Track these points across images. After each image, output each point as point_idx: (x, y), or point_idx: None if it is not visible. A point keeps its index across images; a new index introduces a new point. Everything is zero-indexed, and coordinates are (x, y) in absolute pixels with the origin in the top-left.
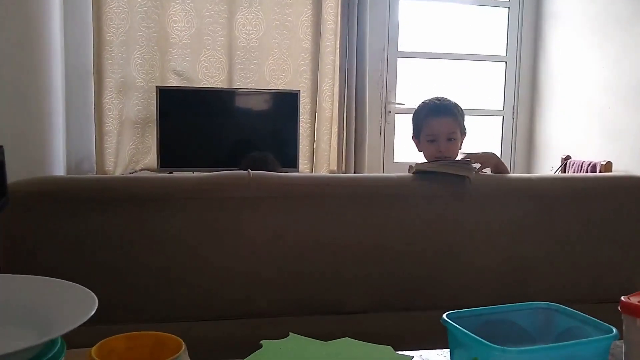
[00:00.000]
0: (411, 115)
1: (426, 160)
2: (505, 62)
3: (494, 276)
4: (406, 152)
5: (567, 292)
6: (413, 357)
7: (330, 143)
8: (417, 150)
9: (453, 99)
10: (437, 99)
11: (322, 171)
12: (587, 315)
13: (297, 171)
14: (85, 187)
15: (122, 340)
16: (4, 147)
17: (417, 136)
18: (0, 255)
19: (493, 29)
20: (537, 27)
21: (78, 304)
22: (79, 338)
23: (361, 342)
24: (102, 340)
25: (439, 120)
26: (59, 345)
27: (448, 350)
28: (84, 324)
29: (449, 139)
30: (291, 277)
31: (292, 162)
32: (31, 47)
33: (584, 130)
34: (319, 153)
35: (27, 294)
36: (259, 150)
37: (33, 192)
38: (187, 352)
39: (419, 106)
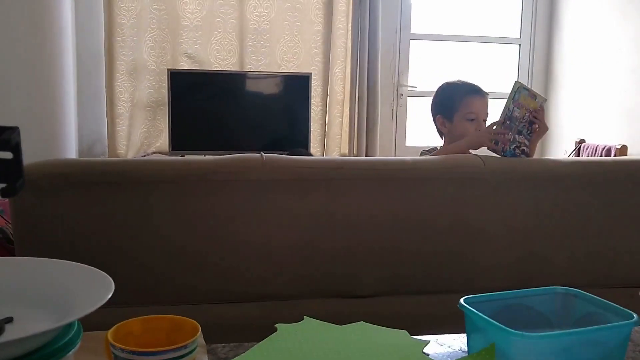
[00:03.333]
0: (429, 98)
1: (453, 141)
2: (519, 45)
3: (509, 260)
4: (418, 136)
5: (582, 277)
6: (429, 341)
7: (342, 126)
8: (441, 130)
9: None
10: (463, 80)
11: (334, 155)
12: (607, 301)
13: (309, 155)
14: (99, 169)
15: (138, 324)
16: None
17: (448, 115)
18: (14, 238)
19: (507, 11)
20: (552, 9)
21: (95, 287)
22: (93, 320)
23: (376, 326)
24: (119, 324)
25: (479, 99)
26: (75, 328)
27: (465, 335)
28: (99, 307)
29: (484, 120)
30: (305, 260)
31: (303, 146)
32: (42, 30)
33: (598, 113)
34: (330, 136)
35: (44, 277)
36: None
37: (46, 174)
38: (202, 336)
39: (448, 87)
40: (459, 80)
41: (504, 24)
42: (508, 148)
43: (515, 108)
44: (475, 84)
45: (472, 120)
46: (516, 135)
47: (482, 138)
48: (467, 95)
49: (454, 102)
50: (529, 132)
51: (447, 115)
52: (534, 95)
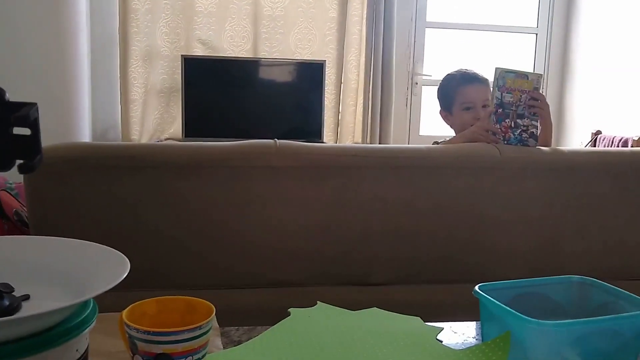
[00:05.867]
0: (438, 89)
1: (458, 133)
2: (536, 34)
3: (524, 251)
4: (432, 125)
5: (598, 269)
6: (443, 328)
7: (355, 115)
8: (446, 124)
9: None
10: (464, 69)
11: (347, 143)
12: (623, 290)
13: (322, 143)
14: (113, 153)
15: (153, 304)
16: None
17: (448, 108)
18: (29, 220)
19: (524, 0)
20: None
21: (111, 266)
22: (105, 303)
23: (389, 312)
24: (134, 304)
25: (473, 87)
26: (91, 307)
27: (479, 322)
28: (114, 289)
29: (484, 106)
30: (317, 247)
31: (316, 134)
32: (57, 15)
33: (615, 104)
34: (343, 125)
35: (61, 256)
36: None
37: (61, 157)
38: (215, 318)
39: (445, 79)
40: (457, 71)
41: (521, 13)
42: (511, 135)
43: (504, 94)
44: (473, 71)
45: (469, 109)
46: (518, 120)
47: (474, 134)
48: (460, 85)
49: (450, 95)
50: (533, 113)
51: (447, 108)
52: (524, 75)
